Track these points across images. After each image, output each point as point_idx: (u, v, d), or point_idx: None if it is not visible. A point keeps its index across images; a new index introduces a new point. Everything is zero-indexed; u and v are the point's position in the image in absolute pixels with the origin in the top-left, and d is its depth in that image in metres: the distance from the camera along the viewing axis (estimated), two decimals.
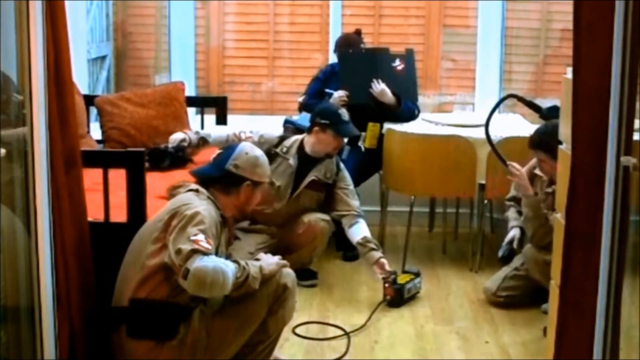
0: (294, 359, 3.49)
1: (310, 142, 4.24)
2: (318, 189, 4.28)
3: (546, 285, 3.81)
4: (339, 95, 4.72)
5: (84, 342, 2.91)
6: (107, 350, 2.99)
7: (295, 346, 3.60)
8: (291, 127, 4.70)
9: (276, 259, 3.05)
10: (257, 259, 3.02)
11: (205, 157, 3.63)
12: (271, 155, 4.27)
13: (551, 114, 3.97)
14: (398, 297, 4.07)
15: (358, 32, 4.95)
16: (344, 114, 4.22)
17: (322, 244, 4.29)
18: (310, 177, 4.24)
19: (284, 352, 3.47)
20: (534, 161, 4.01)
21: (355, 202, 4.31)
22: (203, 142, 4.32)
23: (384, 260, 4.10)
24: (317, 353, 3.57)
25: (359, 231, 4.22)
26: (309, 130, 4.26)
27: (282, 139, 4.32)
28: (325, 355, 3.55)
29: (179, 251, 2.75)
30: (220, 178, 3.09)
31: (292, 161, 4.24)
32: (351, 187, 4.35)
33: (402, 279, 4.15)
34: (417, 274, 4.20)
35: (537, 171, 4.01)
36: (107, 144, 4.73)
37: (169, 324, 2.88)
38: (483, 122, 4.36)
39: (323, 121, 4.17)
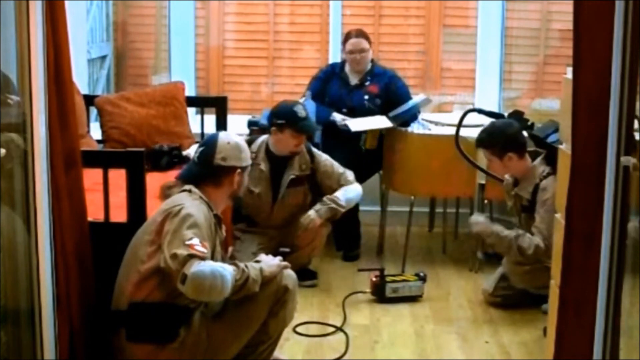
0: (294, 359, 3.49)
1: (272, 142, 4.21)
2: (300, 183, 4.24)
3: (534, 291, 3.86)
4: (341, 122, 4.70)
5: (84, 342, 2.91)
6: (107, 350, 2.99)
7: (295, 346, 3.60)
8: (256, 129, 4.65)
9: (277, 260, 3.04)
10: (258, 261, 3.01)
11: None
12: None
13: (515, 118, 4.08)
14: (377, 292, 4.13)
15: (366, 37, 4.91)
16: (300, 110, 4.14)
17: (321, 246, 4.30)
18: (288, 176, 4.21)
19: (284, 352, 3.47)
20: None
21: (338, 176, 4.24)
22: None
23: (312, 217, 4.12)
24: (317, 353, 3.57)
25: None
26: (269, 131, 4.22)
27: (249, 142, 4.15)
28: (325, 355, 3.55)
29: (174, 256, 2.74)
30: (210, 174, 3.09)
31: (264, 165, 4.21)
32: (330, 163, 4.27)
33: (398, 278, 4.18)
34: (421, 278, 4.20)
35: (507, 176, 4.04)
36: (107, 143, 4.72)
37: (169, 327, 2.88)
38: (483, 122, 4.38)
39: (279, 121, 4.12)
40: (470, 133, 4.54)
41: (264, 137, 4.28)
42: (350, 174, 4.29)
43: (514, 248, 3.79)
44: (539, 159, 3.90)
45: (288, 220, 4.31)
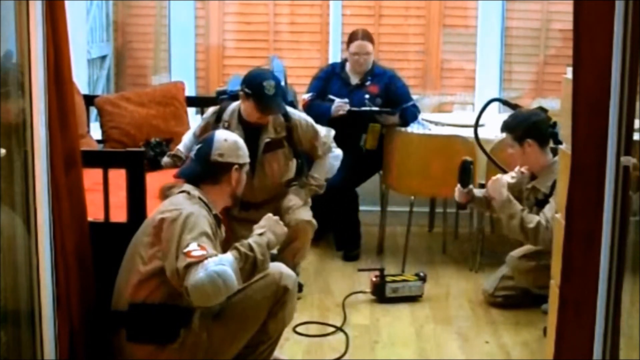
0: (294, 359, 3.49)
1: (242, 108, 4.02)
2: (277, 146, 4.07)
3: (535, 291, 3.85)
4: (340, 103, 4.69)
5: (84, 342, 2.91)
6: (107, 350, 2.99)
7: (295, 346, 3.60)
8: (226, 98, 4.39)
9: (277, 219, 3.00)
10: (262, 234, 2.92)
11: None
12: None
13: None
14: (377, 292, 4.13)
15: (371, 39, 4.90)
16: (270, 87, 3.88)
17: (304, 245, 4.08)
18: (263, 140, 4.01)
19: (284, 352, 3.47)
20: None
21: (312, 135, 4.10)
22: (179, 159, 4.20)
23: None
24: (317, 353, 3.57)
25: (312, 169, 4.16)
26: (239, 96, 4.05)
27: (219, 113, 4.08)
28: (325, 355, 3.55)
29: (176, 271, 2.73)
30: (208, 171, 3.09)
31: (238, 133, 3.85)
32: (304, 122, 4.10)
33: (398, 278, 4.18)
34: (421, 278, 4.20)
35: (524, 169, 4.04)
36: (107, 143, 4.73)
37: (169, 327, 2.88)
38: (483, 122, 4.38)
39: (247, 90, 3.93)
40: (470, 133, 4.54)
41: (234, 105, 4.07)
42: (325, 138, 4.16)
43: (517, 217, 3.75)
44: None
45: (275, 192, 4.11)
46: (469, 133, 4.56)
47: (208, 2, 5.91)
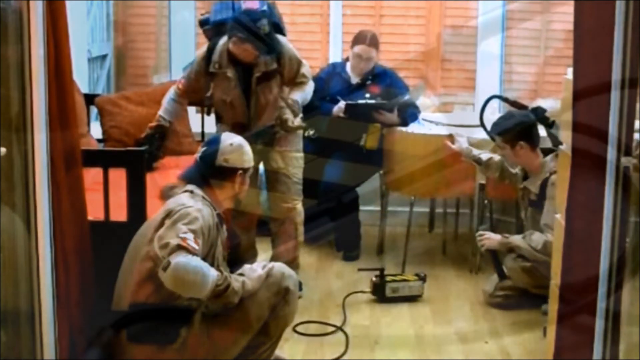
0: (294, 359, 3.49)
1: (233, 49, 3.94)
2: (270, 77, 4.02)
3: (534, 291, 3.87)
4: (339, 107, 4.68)
5: (84, 342, 2.91)
6: (107, 351, 2.99)
7: (295, 346, 3.60)
8: (209, 28, 4.19)
9: (259, 270, 3.02)
10: (242, 274, 2.99)
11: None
12: (211, 75, 4.03)
13: (536, 113, 4.06)
14: (377, 292, 4.13)
15: (376, 45, 4.90)
16: (264, 27, 3.86)
17: (297, 224, 4.14)
18: (255, 75, 3.97)
19: (284, 352, 3.47)
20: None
21: (297, 67, 4.06)
22: (165, 130, 4.20)
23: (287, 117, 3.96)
24: (317, 353, 3.57)
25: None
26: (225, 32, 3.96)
27: (208, 54, 4.02)
28: (325, 355, 3.55)
29: (165, 245, 2.75)
30: (213, 175, 3.10)
31: (230, 72, 3.97)
32: (292, 52, 4.05)
33: (398, 278, 4.19)
34: (421, 278, 4.20)
35: (517, 170, 4.06)
36: (107, 143, 4.73)
37: (170, 328, 2.88)
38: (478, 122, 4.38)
39: (241, 35, 3.86)
40: (470, 133, 4.56)
41: (221, 44, 3.97)
42: (305, 70, 4.10)
43: (525, 246, 3.83)
44: (550, 156, 3.91)
45: (269, 120, 4.04)
46: (469, 133, 4.56)
47: (208, 2, 5.90)
